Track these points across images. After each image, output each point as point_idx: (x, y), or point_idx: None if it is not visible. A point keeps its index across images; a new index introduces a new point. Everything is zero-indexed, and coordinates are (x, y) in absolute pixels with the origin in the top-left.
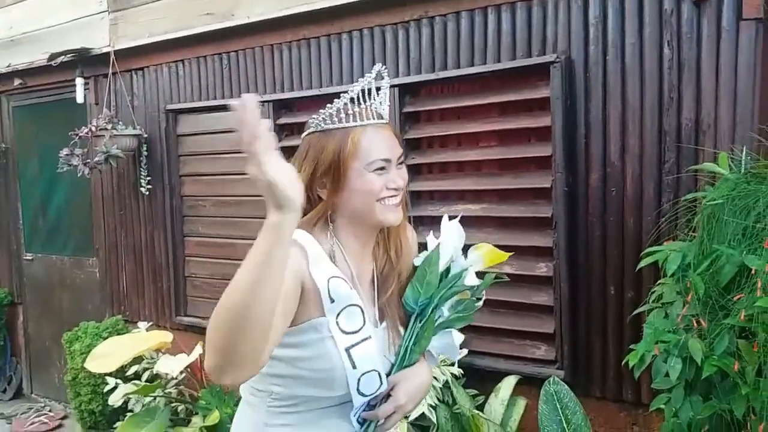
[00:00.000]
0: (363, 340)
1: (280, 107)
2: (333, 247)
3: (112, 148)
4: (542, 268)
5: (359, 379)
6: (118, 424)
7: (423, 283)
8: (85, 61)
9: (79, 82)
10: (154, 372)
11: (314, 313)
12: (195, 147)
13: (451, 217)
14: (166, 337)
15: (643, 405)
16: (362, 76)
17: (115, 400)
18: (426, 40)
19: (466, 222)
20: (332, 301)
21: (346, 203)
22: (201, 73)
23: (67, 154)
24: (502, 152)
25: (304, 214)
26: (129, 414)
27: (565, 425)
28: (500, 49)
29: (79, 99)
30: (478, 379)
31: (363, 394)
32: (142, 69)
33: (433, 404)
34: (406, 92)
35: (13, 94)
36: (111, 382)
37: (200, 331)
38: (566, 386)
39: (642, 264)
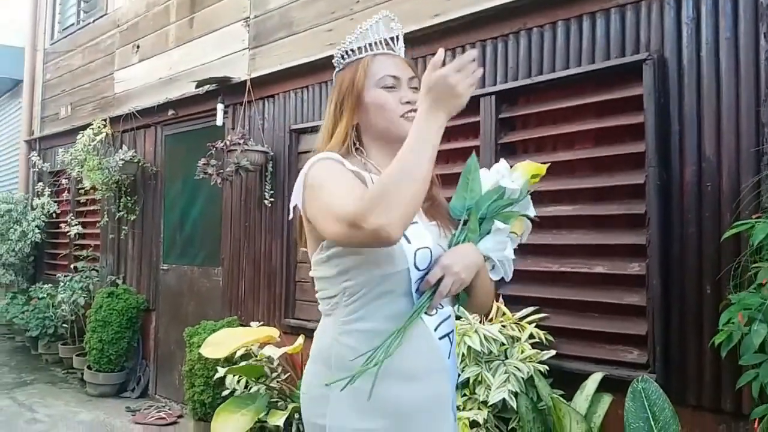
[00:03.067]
0: (413, 223)
1: None
2: (366, 165)
3: (242, 160)
4: (635, 267)
5: (415, 254)
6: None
7: (467, 189)
8: (226, 90)
9: (220, 107)
10: (259, 358)
11: None
12: None
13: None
14: (273, 332)
15: (743, 416)
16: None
17: (229, 383)
18: (523, 50)
19: (560, 222)
20: None
21: (367, 123)
22: (322, 96)
23: (203, 164)
24: (595, 152)
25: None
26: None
27: (652, 423)
28: (594, 51)
29: (219, 122)
30: (566, 382)
31: (418, 269)
32: (272, 96)
33: (515, 391)
34: (502, 100)
35: (167, 124)
36: (221, 371)
37: (304, 332)
38: (655, 384)
39: (727, 234)
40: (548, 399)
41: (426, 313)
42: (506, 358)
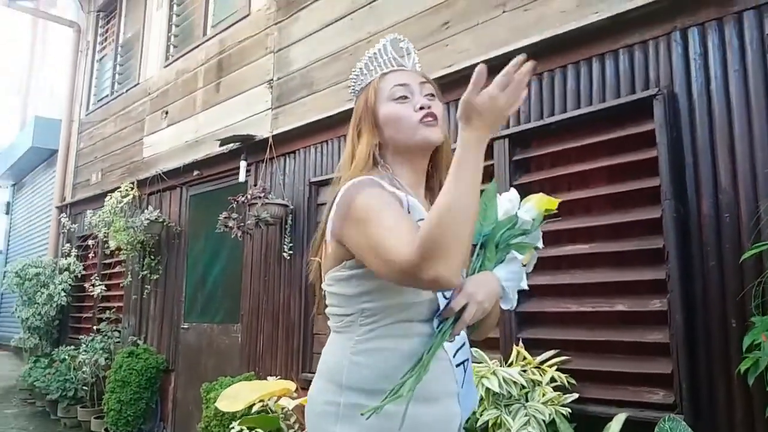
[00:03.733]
0: None
1: None
2: (392, 180)
3: (263, 213)
4: (656, 304)
5: None
6: None
7: (484, 215)
8: (249, 148)
9: (243, 164)
10: (275, 410)
11: None
12: None
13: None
14: (290, 385)
15: None
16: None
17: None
18: (535, 95)
19: (578, 261)
20: (408, 212)
21: (387, 140)
22: (340, 149)
23: (225, 217)
24: (610, 189)
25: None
26: None
27: None
28: (605, 91)
29: (242, 178)
30: (590, 427)
31: (445, 297)
32: (293, 152)
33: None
34: (516, 143)
35: (192, 185)
36: (236, 427)
37: None
38: (683, 423)
39: (745, 256)
40: None
41: (447, 340)
42: (527, 401)
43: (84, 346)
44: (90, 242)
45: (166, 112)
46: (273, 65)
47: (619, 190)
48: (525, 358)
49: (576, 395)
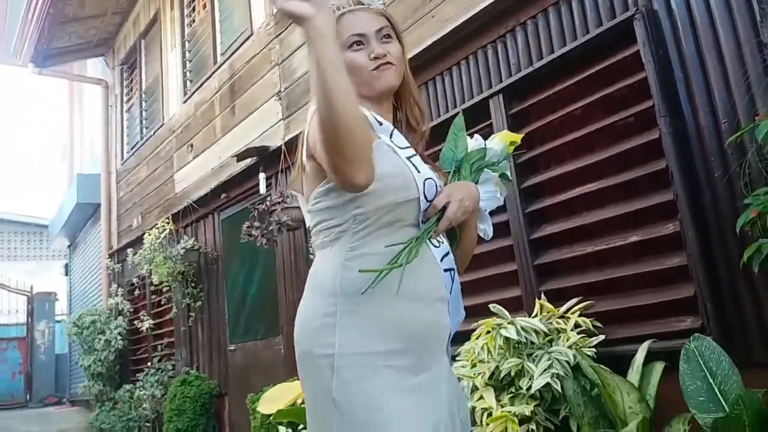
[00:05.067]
0: (414, 155)
1: None
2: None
3: (283, 217)
4: (669, 228)
5: (424, 183)
6: None
7: (455, 143)
8: (266, 160)
9: (262, 176)
10: None
11: (373, 137)
12: None
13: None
14: None
15: None
16: (471, 97)
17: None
18: (522, 44)
19: (588, 201)
20: (380, 123)
21: None
22: None
23: (247, 227)
24: (608, 120)
25: None
26: None
27: (711, 380)
28: (587, 23)
29: (262, 190)
30: (620, 367)
31: (427, 199)
32: None
33: (559, 374)
34: (511, 97)
35: (222, 209)
36: (282, 430)
37: None
38: (707, 339)
39: (732, 138)
40: (594, 375)
41: (431, 240)
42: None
43: (140, 382)
44: (134, 280)
45: (191, 145)
46: (279, 77)
47: (617, 119)
48: (549, 311)
49: (602, 337)
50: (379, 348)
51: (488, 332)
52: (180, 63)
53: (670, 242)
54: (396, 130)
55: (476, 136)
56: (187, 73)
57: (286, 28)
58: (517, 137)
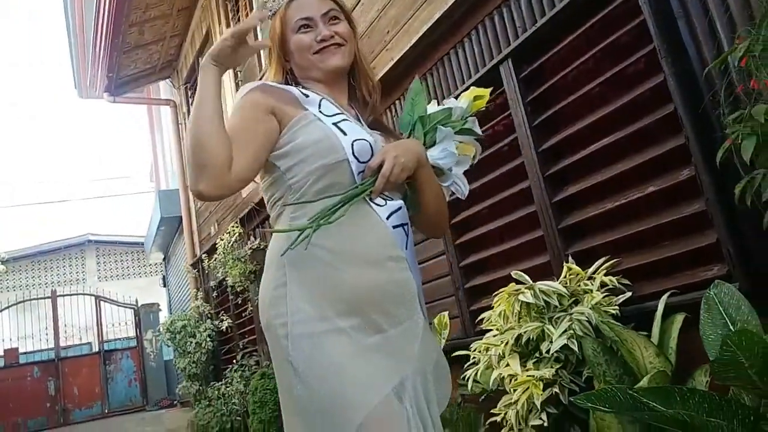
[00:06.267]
0: (344, 120)
1: None
2: (303, 90)
3: None
4: (684, 173)
5: (352, 144)
6: None
7: (412, 107)
8: None
9: None
10: None
11: (296, 113)
12: None
13: None
14: None
15: None
16: (484, 65)
17: None
18: (525, 7)
19: (605, 157)
20: (306, 96)
21: (295, 67)
22: None
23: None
24: (614, 70)
25: None
26: None
27: (731, 326)
28: None
29: None
30: (651, 323)
31: (359, 160)
32: None
33: (577, 334)
34: (519, 61)
35: None
36: None
37: None
38: (727, 285)
39: (715, 63)
40: (610, 333)
41: (372, 200)
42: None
43: (226, 379)
44: (212, 283)
45: None
46: None
47: (622, 67)
48: (578, 274)
49: (628, 294)
50: (328, 313)
51: (507, 299)
52: (232, 74)
53: (688, 188)
54: (325, 100)
55: (450, 98)
56: (239, 83)
57: None
58: (485, 92)
